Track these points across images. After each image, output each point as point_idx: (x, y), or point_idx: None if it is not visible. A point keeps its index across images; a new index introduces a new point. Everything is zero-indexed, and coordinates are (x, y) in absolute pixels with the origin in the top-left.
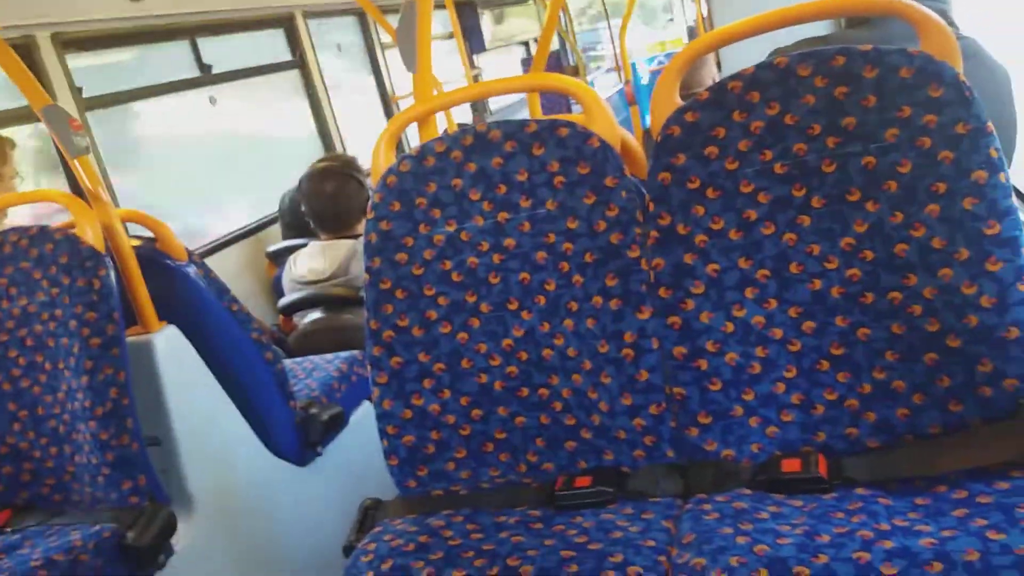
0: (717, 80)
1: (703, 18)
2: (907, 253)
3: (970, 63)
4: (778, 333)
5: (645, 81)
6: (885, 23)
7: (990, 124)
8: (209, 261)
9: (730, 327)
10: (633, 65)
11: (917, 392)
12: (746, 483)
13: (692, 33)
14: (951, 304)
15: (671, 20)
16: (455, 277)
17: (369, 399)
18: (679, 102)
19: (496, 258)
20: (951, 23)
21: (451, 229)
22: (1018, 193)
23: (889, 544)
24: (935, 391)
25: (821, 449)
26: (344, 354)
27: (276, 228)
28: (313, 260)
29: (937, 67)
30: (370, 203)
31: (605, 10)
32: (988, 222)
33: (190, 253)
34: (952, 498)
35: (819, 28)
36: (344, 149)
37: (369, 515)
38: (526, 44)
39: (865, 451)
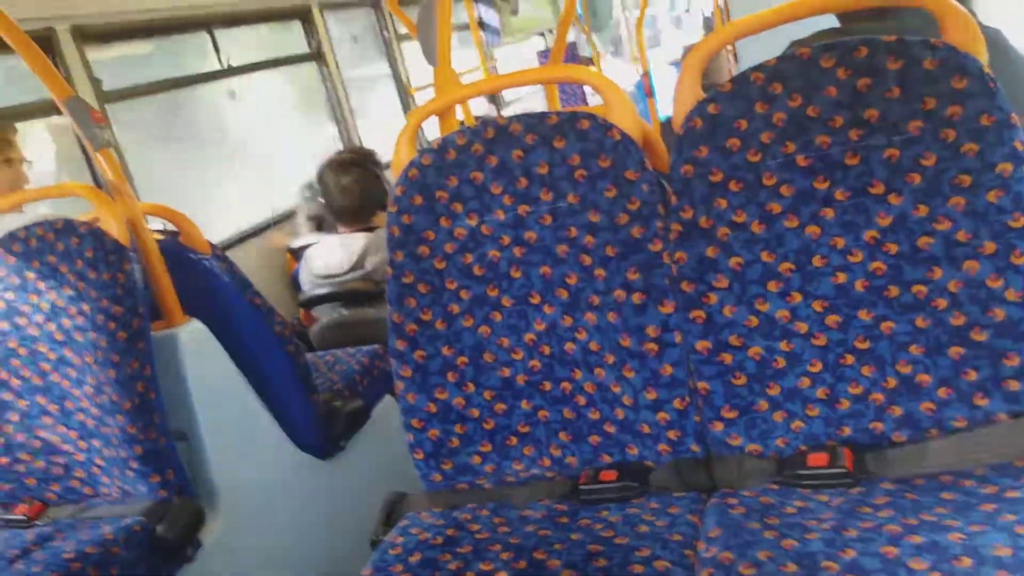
0: (733, 73)
1: (719, 9)
2: (931, 246)
3: (993, 54)
4: (802, 327)
5: None
6: (899, 15)
7: (1015, 116)
8: (230, 255)
9: (754, 321)
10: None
11: (942, 386)
12: (772, 478)
13: (708, 24)
14: (976, 298)
15: (688, 11)
16: (477, 271)
17: (391, 393)
18: (702, 94)
19: (517, 251)
20: (971, 13)
21: (472, 223)
22: None
23: (918, 539)
24: (960, 385)
25: (846, 443)
26: (366, 348)
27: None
28: (330, 254)
29: (961, 58)
30: (391, 197)
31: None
32: (1013, 215)
33: (213, 247)
34: (980, 493)
35: (832, 21)
36: (360, 142)
37: (395, 509)
38: (542, 35)
39: (890, 445)
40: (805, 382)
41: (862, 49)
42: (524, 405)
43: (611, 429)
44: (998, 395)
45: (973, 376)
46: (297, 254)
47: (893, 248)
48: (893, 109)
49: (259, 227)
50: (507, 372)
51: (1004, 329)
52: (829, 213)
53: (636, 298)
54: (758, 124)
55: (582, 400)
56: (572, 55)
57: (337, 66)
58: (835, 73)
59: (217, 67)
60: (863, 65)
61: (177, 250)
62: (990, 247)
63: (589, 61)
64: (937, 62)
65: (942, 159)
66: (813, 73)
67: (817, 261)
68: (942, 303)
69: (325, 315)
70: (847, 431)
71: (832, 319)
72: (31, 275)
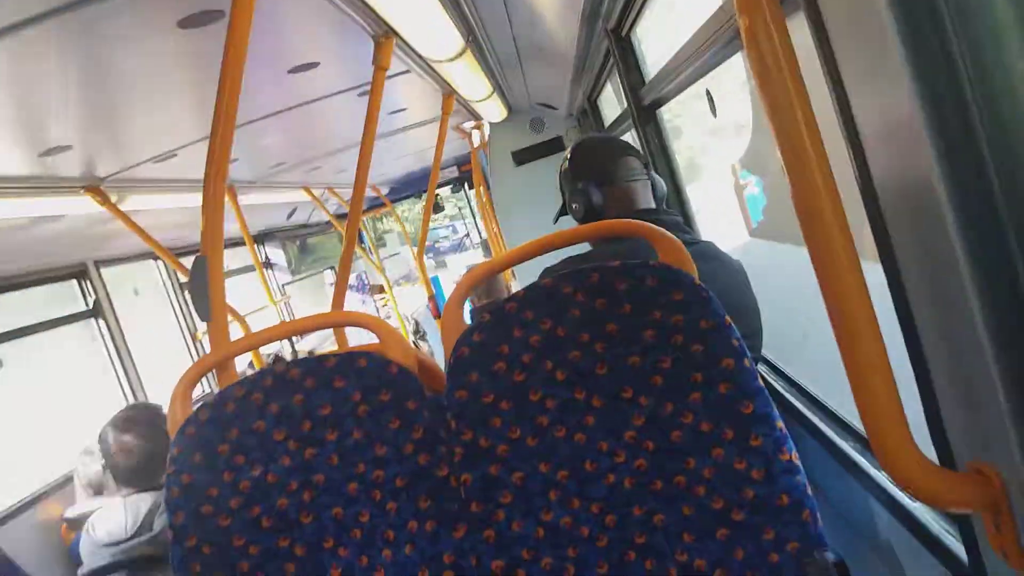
0: (512, 283)
1: (494, 233)
2: (682, 439)
3: (711, 263)
4: (585, 531)
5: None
6: (632, 238)
7: (728, 318)
8: None
9: (541, 532)
10: (435, 280)
11: (718, 568)
12: None
13: (487, 246)
14: (728, 481)
15: (468, 236)
16: (264, 523)
17: None
18: (465, 324)
19: (307, 496)
20: (687, 231)
21: (256, 473)
22: (774, 369)
23: None
24: (733, 564)
25: None
26: None
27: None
28: (113, 519)
29: (676, 275)
30: (169, 456)
31: (406, 235)
32: (743, 403)
33: None
34: None
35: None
36: (146, 396)
37: None
38: (334, 268)
39: None
40: None
41: (594, 276)
42: None
43: None
44: (765, 569)
45: (741, 555)
46: (75, 524)
47: (651, 445)
48: (629, 322)
49: (29, 499)
50: None
51: (756, 507)
52: (591, 420)
53: (429, 526)
54: (518, 347)
55: None
56: (363, 284)
57: (117, 320)
58: (575, 297)
59: None
60: (597, 288)
61: None
62: (730, 434)
63: (381, 288)
64: (657, 280)
65: (676, 360)
66: (557, 299)
67: (588, 466)
68: (701, 490)
69: None
70: None
71: (610, 519)
72: None
